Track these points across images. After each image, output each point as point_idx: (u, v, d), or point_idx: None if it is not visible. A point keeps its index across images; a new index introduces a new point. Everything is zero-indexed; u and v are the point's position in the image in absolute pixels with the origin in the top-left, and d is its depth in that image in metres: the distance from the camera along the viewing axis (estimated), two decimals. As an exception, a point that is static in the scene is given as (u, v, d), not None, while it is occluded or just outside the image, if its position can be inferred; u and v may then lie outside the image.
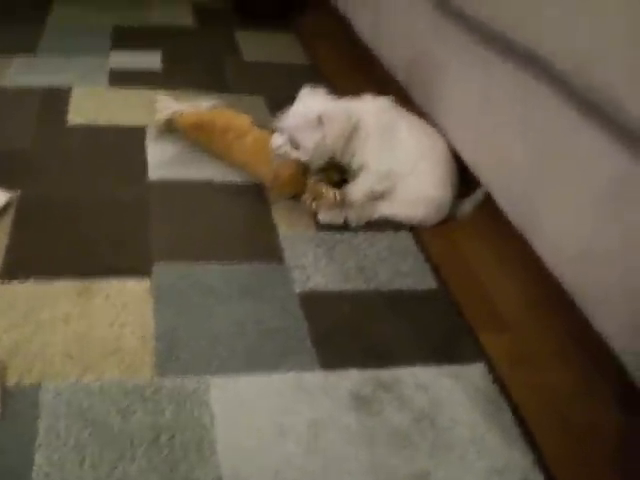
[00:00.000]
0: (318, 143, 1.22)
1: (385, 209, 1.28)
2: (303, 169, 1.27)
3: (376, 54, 1.72)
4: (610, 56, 0.77)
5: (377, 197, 1.28)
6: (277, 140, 1.24)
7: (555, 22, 0.88)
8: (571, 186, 0.97)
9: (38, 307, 1.00)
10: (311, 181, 1.27)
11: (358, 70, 1.96)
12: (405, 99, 1.44)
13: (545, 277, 1.15)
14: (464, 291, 1.14)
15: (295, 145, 1.23)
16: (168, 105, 1.46)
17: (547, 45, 0.89)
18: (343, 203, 1.25)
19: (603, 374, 1.01)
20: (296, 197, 1.29)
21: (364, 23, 1.79)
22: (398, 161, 1.26)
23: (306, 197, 1.26)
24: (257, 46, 2.06)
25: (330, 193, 1.24)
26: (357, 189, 1.26)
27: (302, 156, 1.24)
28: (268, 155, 1.28)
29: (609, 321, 0.90)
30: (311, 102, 1.24)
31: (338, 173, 1.31)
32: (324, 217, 1.26)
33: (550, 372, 1.01)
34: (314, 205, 1.25)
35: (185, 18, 2.22)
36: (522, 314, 1.12)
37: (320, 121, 1.20)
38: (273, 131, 1.28)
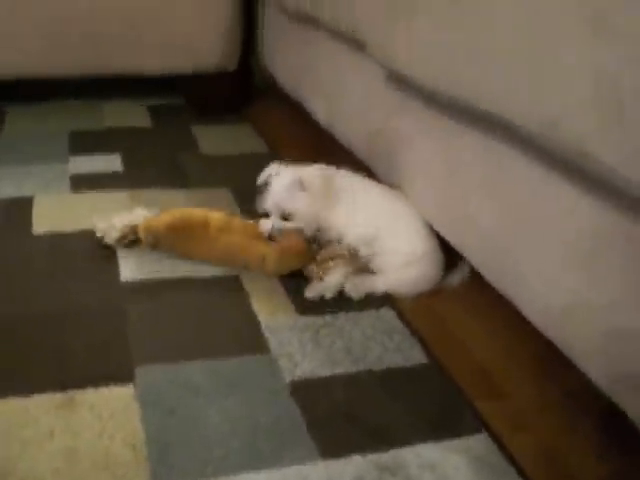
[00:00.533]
0: (306, 203, 1.27)
1: (382, 285, 1.29)
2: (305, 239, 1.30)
3: (335, 135, 1.74)
4: (578, 111, 0.78)
5: (362, 266, 1.29)
6: (266, 223, 1.28)
7: (518, 86, 0.89)
8: (547, 243, 0.97)
9: (20, 424, 0.95)
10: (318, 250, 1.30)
11: (318, 152, 1.98)
12: (369, 176, 1.46)
13: (534, 338, 1.15)
14: (454, 362, 1.13)
15: (286, 217, 1.27)
16: (108, 224, 1.40)
17: (512, 109, 0.91)
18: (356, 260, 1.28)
19: (604, 428, 1.00)
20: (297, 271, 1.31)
21: (319, 108, 1.82)
22: (373, 223, 1.31)
23: (315, 268, 1.28)
24: (215, 139, 2.08)
25: (343, 248, 1.28)
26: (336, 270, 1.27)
27: (297, 223, 1.28)
28: (260, 238, 1.30)
29: (603, 373, 0.89)
30: (285, 172, 1.30)
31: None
32: (312, 293, 1.26)
33: (552, 434, 0.99)
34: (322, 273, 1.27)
35: (141, 119, 2.24)
36: (516, 378, 1.11)
37: (302, 183, 1.26)
38: (253, 218, 1.32)
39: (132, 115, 2.26)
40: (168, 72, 2.23)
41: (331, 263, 1.27)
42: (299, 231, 1.30)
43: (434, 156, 1.26)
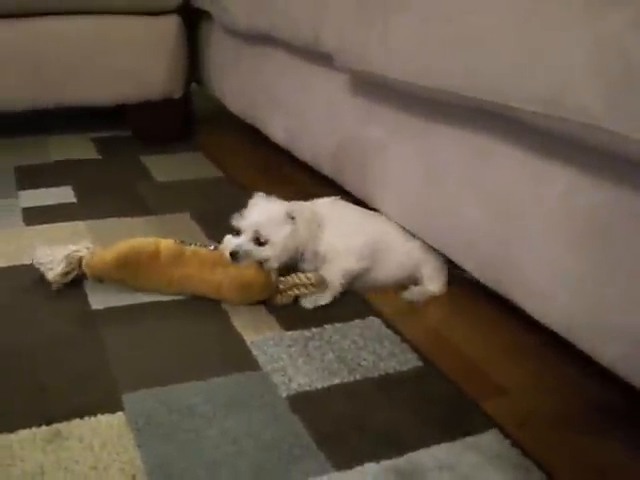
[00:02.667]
0: (287, 237, 1.24)
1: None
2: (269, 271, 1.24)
3: (295, 154, 1.72)
4: (582, 82, 0.77)
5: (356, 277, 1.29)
6: (232, 241, 1.22)
7: (514, 67, 0.88)
8: (544, 230, 0.97)
9: (7, 463, 0.88)
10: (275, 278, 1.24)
11: (275, 173, 1.97)
12: (335, 189, 1.45)
13: (527, 332, 1.14)
14: (450, 363, 1.11)
15: (261, 242, 1.22)
16: (47, 257, 1.30)
17: (509, 92, 0.90)
18: (324, 283, 1.24)
19: (610, 410, 1.00)
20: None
21: (277, 127, 1.80)
22: (367, 236, 1.31)
23: (277, 296, 1.24)
24: (166, 167, 2.04)
25: (309, 276, 1.23)
26: (334, 271, 1.26)
27: (268, 252, 1.22)
28: (216, 266, 1.23)
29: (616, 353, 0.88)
30: (270, 203, 1.29)
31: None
32: (308, 302, 1.24)
33: (559, 423, 0.98)
34: (285, 300, 1.24)
35: (87, 151, 2.18)
36: (514, 373, 1.09)
37: (289, 216, 1.24)
38: (203, 245, 1.28)
39: (78, 148, 2.20)
40: (113, 102, 2.18)
41: (293, 291, 1.24)
42: (266, 261, 1.24)
43: (411, 160, 1.25)
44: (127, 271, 1.26)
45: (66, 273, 1.29)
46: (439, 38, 1.01)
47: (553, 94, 0.82)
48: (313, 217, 1.29)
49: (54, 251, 1.30)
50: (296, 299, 1.26)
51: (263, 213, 1.26)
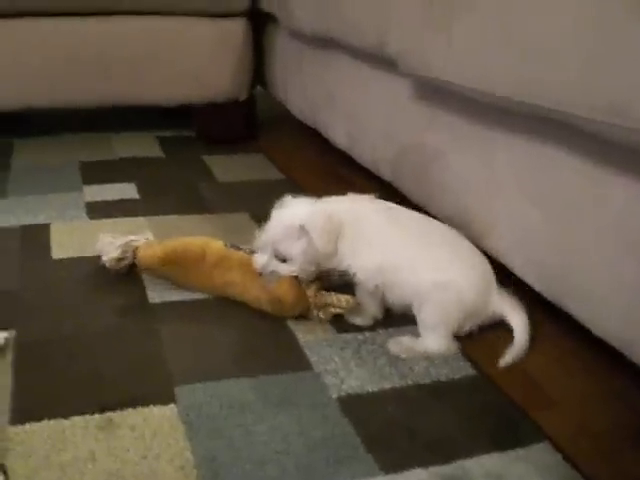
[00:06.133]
0: (305, 251, 1.15)
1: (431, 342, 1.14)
2: (302, 285, 1.19)
3: (356, 158, 1.72)
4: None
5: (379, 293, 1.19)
6: (259, 259, 1.18)
7: (580, 73, 0.87)
8: (604, 241, 0.94)
9: (58, 448, 0.90)
10: (312, 293, 1.19)
11: (336, 176, 1.97)
12: (394, 194, 1.43)
13: (579, 345, 1.12)
14: (503, 374, 1.09)
15: (281, 258, 1.16)
16: (109, 244, 1.34)
17: (573, 99, 0.88)
18: (357, 307, 1.19)
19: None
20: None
21: (338, 131, 1.80)
22: (392, 253, 1.16)
23: (314, 312, 1.19)
24: (228, 168, 2.06)
25: (342, 299, 1.17)
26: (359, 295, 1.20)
27: (291, 268, 1.17)
28: (254, 277, 1.21)
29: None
30: (288, 211, 1.18)
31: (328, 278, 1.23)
32: (353, 319, 1.21)
33: (613, 437, 0.96)
34: (323, 315, 1.19)
35: (152, 149, 2.22)
36: (567, 385, 1.07)
37: (303, 230, 1.13)
38: (252, 251, 1.22)
39: (142, 146, 2.24)
40: (180, 103, 2.21)
41: (331, 310, 1.18)
42: (293, 278, 1.18)
43: (472, 168, 1.23)
44: (172, 268, 1.28)
45: (120, 259, 1.32)
46: (504, 44, 1.00)
47: (620, 103, 0.80)
48: (329, 226, 1.14)
49: (115, 239, 1.34)
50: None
51: (278, 227, 1.16)
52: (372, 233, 1.17)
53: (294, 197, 1.21)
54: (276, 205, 1.20)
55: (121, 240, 1.33)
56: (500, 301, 1.16)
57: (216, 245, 1.28)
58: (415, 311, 1.15)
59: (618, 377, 1.07)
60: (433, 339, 1.13)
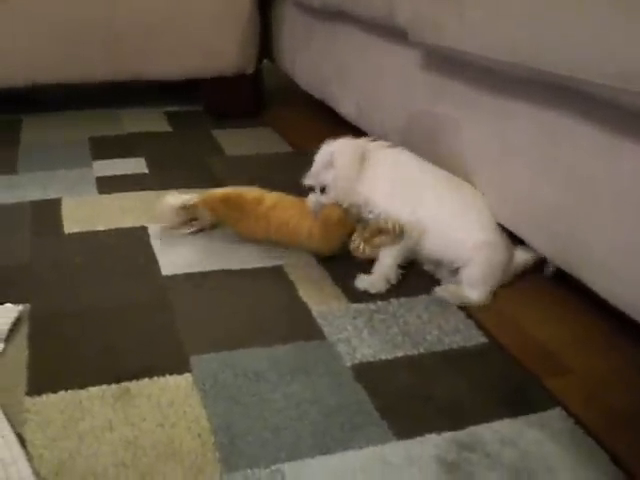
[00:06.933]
0: (335, 176, 1.22)
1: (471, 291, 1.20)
2: (346, 211, 1.25)
3: (365, 129, 1.71)
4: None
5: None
6: (311, 197, 1.27)
7: (591, 37, 0.86)
8: (616, 209, 0.94)
9: (76, 418, 0.91)
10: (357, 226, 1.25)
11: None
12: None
13: (592, 313, 1.12)
14: (514, 341, 1.09)
15: (321, 188, 1.25)
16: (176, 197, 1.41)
17: (584, 64, 0.88)
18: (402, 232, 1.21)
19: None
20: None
21: (348, 103, 1.80)
22: (423, 206, 1.22)
23: (364, 247, 1.23)
24: (237, 142, 2.06)
25: (388, 222, 1.20)
26: (386, 254, 1.22)
27: (329, 196, 1.24)
28: (307, 214, 1.28)
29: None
30: (327, 147, 1.28)
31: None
32: (360, 282, 1.22)
33: (625, 404, 0.96)
34: (367, 249, 1.23)
35: (160, 124, 2.22)
36: (579, 353, 1.07)
37: (332, 157, 1.22)
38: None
39: (151, 121, 2.24)
40: (187, 76, 2.21)
41: (377, 240, 1.21)
42: (336, 204, 1.25)
43: (483, 137, 1.23)
44: (231, 208, 1.34)
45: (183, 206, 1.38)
46: (517, 12, 0.99)
47: (630, 67, 0.79)
48: (352, 154, 1.25)
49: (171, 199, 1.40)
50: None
51: (318, 160, 1.27)
52: (409, 180, 1.25)
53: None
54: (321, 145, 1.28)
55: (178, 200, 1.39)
56: (519, 254, 1.23)
57: (272, 193, 1.35)
58: (458, 266, 1.20)
59: (637, 347, 1.07)
60: (479, 292, 1.19)
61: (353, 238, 1.25)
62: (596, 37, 0.85)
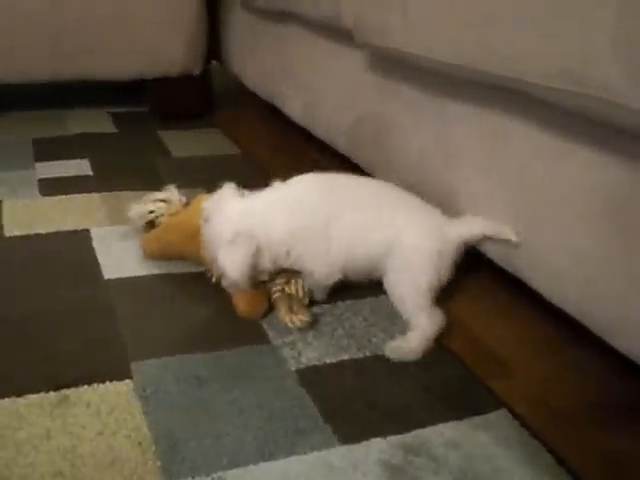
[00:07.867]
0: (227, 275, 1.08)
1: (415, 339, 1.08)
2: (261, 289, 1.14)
3: (312, 130, 1.71)
4: (601, 54, 0.75)
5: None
6: (223, 283, 1.14)
7: (530, 37, 0.87)
8: (561, 211, 0.95)
9: (13, 427, 0.88)
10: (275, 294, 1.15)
11: (291, 150, 1.96)
12: (349, 166, 1.43)
13: (536, 315, 1.13)
14: (460, 346, 1.10)
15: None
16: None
17: (524, 65, 0.88)
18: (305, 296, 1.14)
19: (625, 400, 0.98)
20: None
21: (295, 104, 1.79)
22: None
23: (287, 319, 1.10)
24: (183, 143, 2.03)
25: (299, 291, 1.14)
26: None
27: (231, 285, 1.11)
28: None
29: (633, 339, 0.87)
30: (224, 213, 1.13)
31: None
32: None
33: (568, 406, 0.97)
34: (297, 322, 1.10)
35: (105, 125, 2.18)
36: (524, 356, 1.08)
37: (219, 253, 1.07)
38: None
39: (96, 122, 2.20)
40: (133, 77, 2.17)
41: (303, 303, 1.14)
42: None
43: (427, 138, 1.23)
44: (172, 251, 1.28)
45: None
46: (458, 12, 0.99)
47: (572, 68, 0.80)
48: (245, 254, 1.07)
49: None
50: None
51: (209, 235, 1.13)
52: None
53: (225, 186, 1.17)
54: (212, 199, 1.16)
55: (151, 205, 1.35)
56: (463, 226, 1.14)
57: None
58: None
59: (579, 349, 1.09)
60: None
61: (282, 313, 1.12)
62: (538, 38, 0.86)
